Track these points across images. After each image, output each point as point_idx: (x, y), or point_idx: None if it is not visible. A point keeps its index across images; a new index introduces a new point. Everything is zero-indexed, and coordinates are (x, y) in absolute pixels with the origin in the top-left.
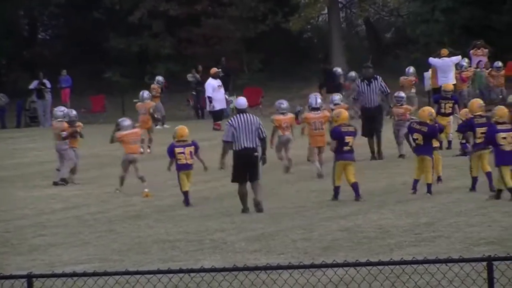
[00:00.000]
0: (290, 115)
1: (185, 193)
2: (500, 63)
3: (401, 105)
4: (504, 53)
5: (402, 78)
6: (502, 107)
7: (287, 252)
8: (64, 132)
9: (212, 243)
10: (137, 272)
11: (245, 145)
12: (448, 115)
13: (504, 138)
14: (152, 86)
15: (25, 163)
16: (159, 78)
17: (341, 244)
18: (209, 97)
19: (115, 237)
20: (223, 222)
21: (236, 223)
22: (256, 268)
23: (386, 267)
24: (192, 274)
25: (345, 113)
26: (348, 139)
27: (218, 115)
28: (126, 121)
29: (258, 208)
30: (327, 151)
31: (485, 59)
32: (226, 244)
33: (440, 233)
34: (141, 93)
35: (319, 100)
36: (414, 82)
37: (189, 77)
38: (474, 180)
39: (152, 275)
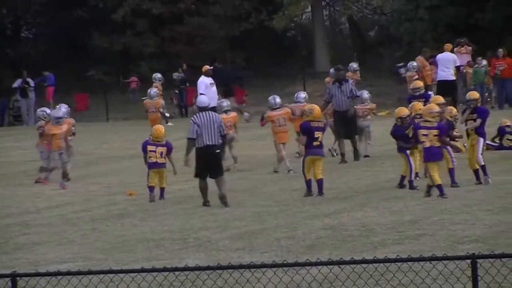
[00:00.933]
0: (233, 114)
1: (150, 188)
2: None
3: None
4: (488, 51)
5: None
6: (419, 103)
7: (271, 250)
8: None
9: (196, 241)
10: (121, 271)
11: (208, 142)
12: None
13: (425, 135)
14: (154, 84)
15: (9, 162)
16: (158, 75)
17: (325, 242)
18: (201, 95)
19: (99, 235)
20: (207, 220)
21: (220, 222)
22: (240, 266)
23: (370, 265)
24: (177, 273)
25: (317, 110)
26: (317, 134)
27: None
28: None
29: (223, 201)
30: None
31: (469, 57)
32: (210, 242)
33: (424, 231)
34: (149, 90)
35: (278, 100)
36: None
37: (175, 75)
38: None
39: (136, 274)
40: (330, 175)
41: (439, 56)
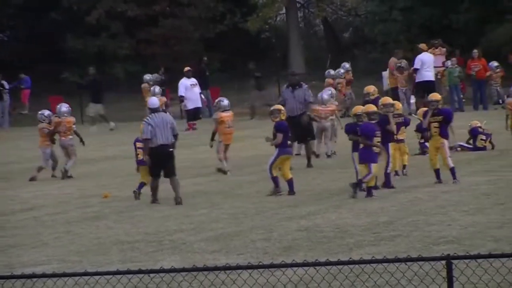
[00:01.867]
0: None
1: (140, 184)
2: (496, 63)
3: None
4: (462, 52)
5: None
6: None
7: (246, 252)
8: (46, 129)
9: (171, 243)
10: (96, 273)
11: (161, 142)
12: None
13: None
14: (143, 85)
15: None
16: (148, 76)
17: (301, 244)
18: (181, 97)
19: (74, 238)
20: (182, 222)
21: (195, 224)
22: (216, 268)
23: (345, 266)
24: (152, 275)
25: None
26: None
27: (191, 115)
28: None
29: (177, 201)
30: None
31: (443, 58)
32: (185, 244)
33: (399, 232)
34: (152, 88)
35: (227, 102)
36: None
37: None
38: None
39: (111, 276)
40: (305, 176)
41: (424, 57)
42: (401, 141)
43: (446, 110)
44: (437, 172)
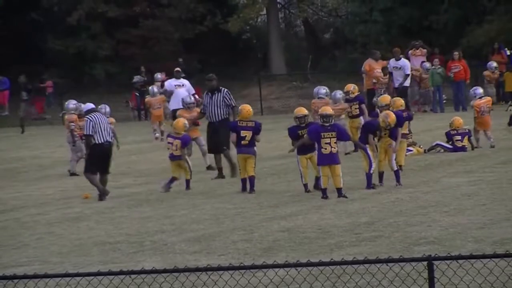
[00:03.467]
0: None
1: (171, 179)
2: (495, 63)
3: None
4: (442, 53)
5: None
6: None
7: (227, 253)
8: (73, 124)
9: (152, 244)
10: (77, 274)
11: (101, 140)
12: (356, 116)
13: (327, 142)
14: (156, 83)
15: None
16: (159, 75)
17: (282, 244)
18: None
19: (55, 239)
20: (163, 223)
21: (176, 225)
22: (197, 269)
23: (327, 267)
24: (133, 276)
25: (245, 110)
26: (244, 133)
27: (174, 115)
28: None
29: (102, 198)
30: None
31: (423, 59)
32: (166, 245)
33: (381, 233)
34: (150, 88)
35: (191, 100)
36: None
37: (136, 78)
38: None
39: (93, 277)
40: (285, 177)
41: (405, 63)
42: (404, 136)
43: (398, 113)
44: (381, 175)
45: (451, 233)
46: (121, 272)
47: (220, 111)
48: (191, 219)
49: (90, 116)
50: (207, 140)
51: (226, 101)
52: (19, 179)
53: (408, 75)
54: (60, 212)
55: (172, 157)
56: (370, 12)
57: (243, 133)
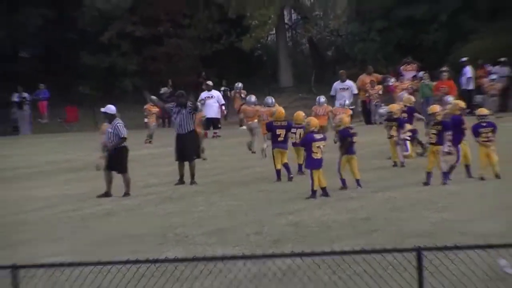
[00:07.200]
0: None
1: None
2: (494, 76)
3: None
4: (432, 68)
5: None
6: (312, 117)
7: (241, 244)
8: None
9: (175, 237)
10: (108, 262)
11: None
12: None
13: (318, 146)
14: (237, 92)
15: (6, 167)
16: (239, 84)
17: (289, 237)
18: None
19: (88, 232)
20: (184, 218)
21: (196, 219)
22: (214, 258)
23: (328, 257)
24: (157, 264)
25: (279, 111)
26: (279, 131)
27: (205, 124)
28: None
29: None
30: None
31: (415, 73)
32: (187, 237)
33: (376, 227)
34: (248, 98)
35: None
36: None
37: (163, 89)
38: None
39: (122, 265)
40: (295, 178)
41: (351, 84)
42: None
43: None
44: (343, 180)
45: (439, 227)
46: (147, 261)
47: (188, 124)
48: (208, 214)
49: (117, 120)
50: (176, 150)
51: (191, 115)
52: (56, 179)
53: (356, 94)
54: (93, 208)
55: (295, 145)
56: (368, 32)
57: (278, 131)
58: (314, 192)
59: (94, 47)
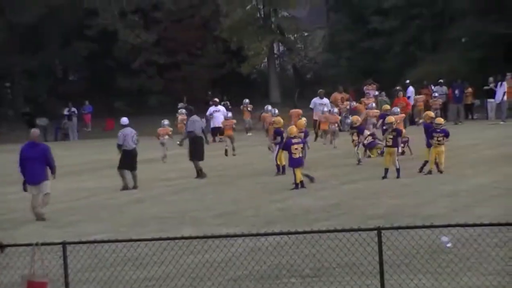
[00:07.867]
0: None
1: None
2: (437, 94)
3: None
4: (387, 88)
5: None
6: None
7: (241, 224)
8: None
9: (190, 219)
10: (138, 239)
11: (131, 146)
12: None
13: (296, 148)
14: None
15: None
16: (269, 107)
17: (278, 219)
18: (206, 116)
19: (122, 215)
20: (197, 204)
21: (206, 205)
22: (220, 236)
23: (308, 234)
24: (176, 241)
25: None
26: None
27: (213, 132)
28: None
29: (135, 187)
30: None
31: (375, 92)
32: (199, 219)
33: (345, 211)
34: (266, 106)
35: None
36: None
37: (180, 105)
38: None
39: (147, 242)
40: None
41: (327, 101)
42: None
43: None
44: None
45: (394, 211)
46: (167, 238)
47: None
48: (217, 201)
49: (121, 131)
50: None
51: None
52: (97, 174)
53: (330, 110)
54: (126, 197)
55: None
56: (338, 60)
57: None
58: (296, 185)
59: (127, 72)
